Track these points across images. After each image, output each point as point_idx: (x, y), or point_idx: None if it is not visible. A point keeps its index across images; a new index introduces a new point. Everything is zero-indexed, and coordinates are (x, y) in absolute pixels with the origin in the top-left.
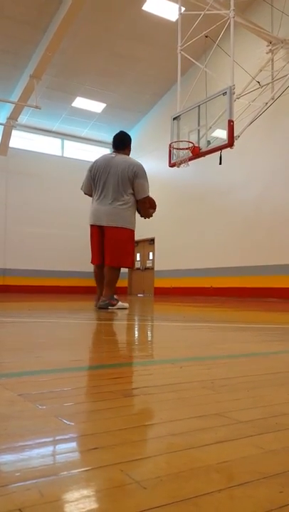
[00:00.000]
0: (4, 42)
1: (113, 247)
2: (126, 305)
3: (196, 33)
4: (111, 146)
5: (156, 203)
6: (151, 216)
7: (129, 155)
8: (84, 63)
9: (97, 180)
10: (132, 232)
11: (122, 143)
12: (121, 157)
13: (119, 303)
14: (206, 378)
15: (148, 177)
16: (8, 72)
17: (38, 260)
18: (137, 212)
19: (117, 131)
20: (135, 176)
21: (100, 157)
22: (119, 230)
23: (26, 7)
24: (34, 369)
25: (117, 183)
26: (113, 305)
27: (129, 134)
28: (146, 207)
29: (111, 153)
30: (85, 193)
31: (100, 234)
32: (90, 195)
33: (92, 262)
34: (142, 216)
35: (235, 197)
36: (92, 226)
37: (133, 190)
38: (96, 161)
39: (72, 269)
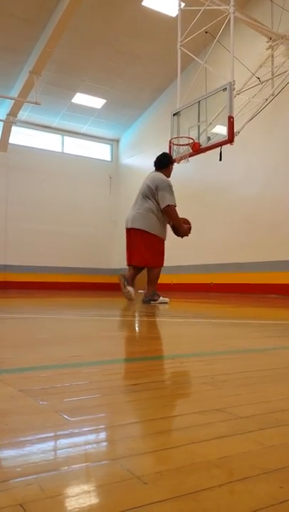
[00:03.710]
0: (4, 38)
1: (136, 248)
2: (166, 299)
3: (196, 28)
4: (111, 143)
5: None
6: (186, 234)
7: (167, 175)
8: (84, 59)
9: (138, 192)
10: (152, 236)
11: (159, 163)
12: (154, 173)
13: (161, 298)
14: (207, 374)
15: (146, 173)
16: (7, 69)
17: (39, 256)
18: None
19: (159, 153)
20: (157, 189)
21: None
22: (139, 232)
23: (26, 3)
24: (35, 365)
25: (143, 192)
26: (155, 300)
27: (129, 130)
28: (171, 217)
29: (151, 173)
30: None
31: (129, 236)
32: None
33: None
34: (175, 233)
35: (236, 193)
36: (126, 229)
37: (157, 202)
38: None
39: (73, 266)
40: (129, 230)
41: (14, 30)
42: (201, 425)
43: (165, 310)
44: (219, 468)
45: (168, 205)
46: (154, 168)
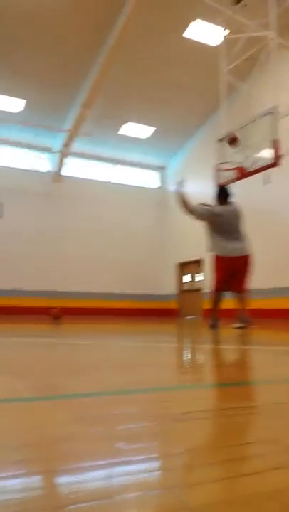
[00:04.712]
0: (57, 74)
1: (243, 274)
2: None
3: (239, 55)
4: (158, 170)
5: None
6: None
7: None
8: (130, 90)
9: (228, 225)
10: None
11: (231, 195)
12: (235, 205)
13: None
14: (257, 403)
15: (195, 198)
16: (59, 103)
17: (93, 283)
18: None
19: (220, 187)
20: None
21: (225, 208)
22: (249, 257)
23: (76, 41)
24: (89, 391)
25: (240, 222)
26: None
27: (176, 156)
28: None
29: (230, 205)
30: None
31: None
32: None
33: None
34: None
35: (285, 215)
36: (233, 258)
37: None
38: (223, 211)
39: (125, 292)
40: (239, 258)
41: (66, 66)
42: (254, 456)
43: (226, 337)
44: (273, 502)
45: None
46: (218, 199)
